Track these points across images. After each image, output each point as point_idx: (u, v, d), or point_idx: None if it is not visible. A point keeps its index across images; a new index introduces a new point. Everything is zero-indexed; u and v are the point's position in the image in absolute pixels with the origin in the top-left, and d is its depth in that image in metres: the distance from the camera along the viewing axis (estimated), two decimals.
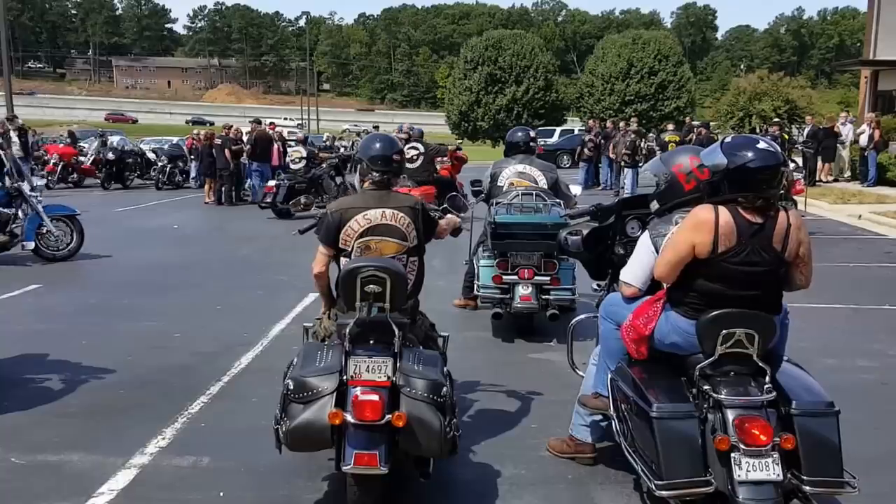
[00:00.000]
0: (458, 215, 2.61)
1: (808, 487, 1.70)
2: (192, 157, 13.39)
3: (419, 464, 2.00)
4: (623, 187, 11.03)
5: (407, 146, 7.52)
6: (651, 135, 13.20)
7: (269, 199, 8.65)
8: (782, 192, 5.92)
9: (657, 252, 1.99)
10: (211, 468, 2.33)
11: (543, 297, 3.63)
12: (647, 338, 1.95)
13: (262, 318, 4.10)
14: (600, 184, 12.52)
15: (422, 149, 7.55)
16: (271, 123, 12.93)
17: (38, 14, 77.31)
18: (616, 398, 2.05)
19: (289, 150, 10.15)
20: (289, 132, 18.61)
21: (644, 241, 2.06)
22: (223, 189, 10.67)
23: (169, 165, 13.45)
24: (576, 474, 2.28)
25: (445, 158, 8.00)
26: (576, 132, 19.84)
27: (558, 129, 23.19)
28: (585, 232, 2.55)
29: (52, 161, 12.98)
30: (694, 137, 11.47)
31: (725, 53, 76.69)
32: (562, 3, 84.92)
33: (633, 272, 2.07)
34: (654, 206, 2.13)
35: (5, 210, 5.60)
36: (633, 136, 11.15)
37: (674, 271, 1.88)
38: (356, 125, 28.50)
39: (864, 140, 11.31)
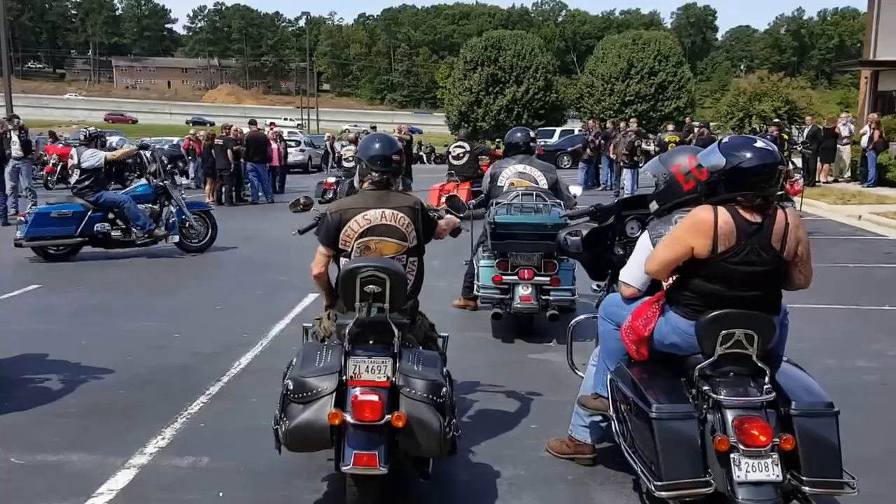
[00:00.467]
0: (457, 216, 2.62)
1: (807, 488, 1.70)
2: (189, 157, 13.39)
3: (419, 464, 2.01)
4: (623, 188, 11.03)
5: (454, 145, 8.68)
6: (651, 136, 13.20)
7: (329, 195, 8.79)
8: (781, 192, 5.95)
9: None
10: (210, 468, 2.33)
11: (543, 297, 3.62)
12: (647, 339, 1.95)
13: (262, 319, 4.10)
14: (600, 184, 12.53)
15: (468, 147, 8.42)
16: (271, 124, 12.94)
17: (37, 14, 77.32)
18: (615, 399, 2.06)
19: (341, 148, 10.73)
20: (289, 132, 18.62)
21: (643, 242, 2.06)
22: (223, 189, 10.67)
23: (169, 166, 13.42)
24: (575, 475, 2.28)
25: (486, 157, 8.79)
26: (575, 132, 19.84)
27: (558, 130, 23.20)
28: (585, 232, 2.55)
29: (52, 161, 12.97)
30: (695, 138, 11.48)
31: (725, 54, 76.71)
32: (562, 3, 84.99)
33: (633, 273, 2.06)
34: (654, 206, 2.13)
35: (154, 206, 6.17)
36: (632, 136, 11.15)
37: (666, 270, 1.88)
38: (356, 125, 28.54)
39: (864, 141, 11.31)
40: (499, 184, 3.99)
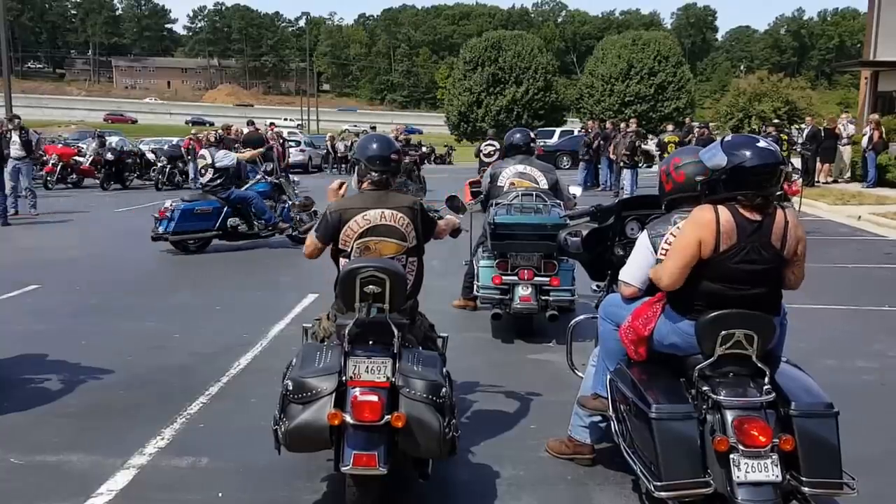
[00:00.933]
0: (457, 216, 2.61)
1: (806, 488, 1.70)
2: (189, 157, 13.39)
3: (418, 464, 2.00)
4: (622, 188, 11.04)
5: (485, 143, 9.34)
6: (651, 136, 13.22)
7: None
8: (780, 192, 5.96)
9: (655, 251, 1.98)
10: (210, 468, 2.33)
11: (543, 297, 3.62)
12: (647, 339, 1.95)
13: (262, 319, 4.10)
14: (600, 184, 12.53)
15: (497, 146, 8.94)
16: (271, 124, 12.93)
17: (37, 14, 77.31)
18: (615, 399, 2.06)
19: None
20: (289, 132, 18.61)
21: (643, 241, 2.06)
22: None
23: (168, 166, 13.45)
24: (574, 475, 2.28)
25: None
26: (575, 133, 19.84)
27: (558, 130, 23.20)
28: (585, 233, 2.55)
29: (51, 161, 12.97)
30: (694, 138, 11.48)
31: (725, 54, 76.75)
32: (562, 3, 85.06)
33: (632, 272, 2.06)
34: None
35: (271, 201, 6.63)
36: (632, 136, 11.16)
37: (682, 275, 1.86)
38: (355, 125, 28.56)
39: (864, 141, 11.32)
40: (499, 184, 3.99)
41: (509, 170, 4.02)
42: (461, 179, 8.41)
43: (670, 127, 12.76)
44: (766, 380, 1.79)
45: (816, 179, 12.00)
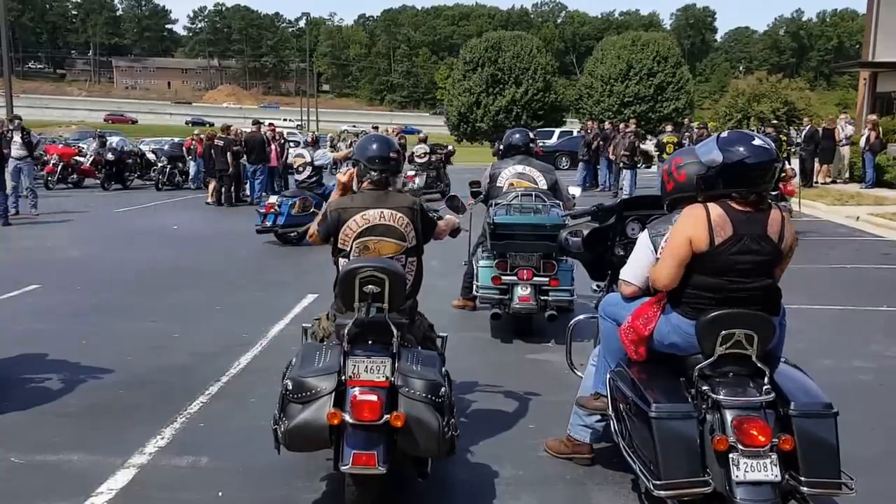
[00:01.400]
0: (456, 216, 2.62)
1: (805, 488, 1.70)
2: (190, 157, 13.40)
3: (417, 464, 2.01)
4: (622, 188, 11.05)
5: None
6: (650, 137, 13.25)
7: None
8: (776, 192, 5.99)
9: (656, 251, 1.99)
10: (210, 468, 2.33)
11: (542, 297, 3.63)
12: (647, 338, 1.95)
13: (262, 319, 4.10)
14: (599, 185, 12.54)
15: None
16: (270, 124, 12.94)
17: (38, 15, 77.31)
18: (615, 398, 2.06)
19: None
20: (288, 133, 18.62)
21: (643, 240, 2.07)
22: (223, 190, 10.68)
23: (168, 166, 13.46)
24: (573, 475, 2.28)
25: None
26: (574, 134, 19.85)
27: (557, 131, 23.21)
28: (586, 232, 2.56)
29: (52, 161, 12.97)
30: (693, 138, 11.49)
31: (724, 55, 76.79)
32: (561, 4, 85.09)
33: (633, 272, 2.07)
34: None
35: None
36: (631, 137, 11.17)
37: (677, 275, 1.88)
38: (354, 126, 28.57)
39: (862, 142, 11.33)
40: (498, 184, 4.00)
41: (508, 170, 4.03)
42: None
43: (669, 127, 12.77)
44: (766, 380, 1.79)
45: (815, 180, 12.01)
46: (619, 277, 2.13)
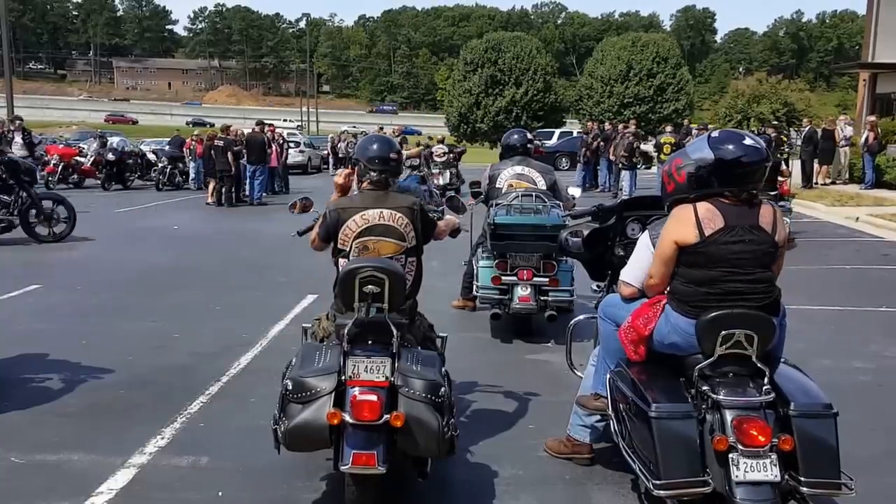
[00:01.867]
0: (456, 216, 2.62)
1: (805, 488, 1.70)
2: (190, 157, 13.42)
3: (417, 464, 2.01)
4: (621, 189, 11.06)
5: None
6: (650, 137, 13.26)
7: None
8: (774, 192, 6.01)
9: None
10: (210, 468, 2.33)
11: (542, 298, 3.63)
12: (646, 338, 1.95)
13: (262, 319, 4.11)
14: (599, 186, 12.55)
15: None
16: (270, 125, 12.96)
17: (39, 15, 77.38)
18: (615, 398, 2.06)
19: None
20: (288, 133, 18.64)
21: (643, 241, 2.07)
22: (223, 190, 10.69)
23: (169, 167, 13.48)
24: (573, 475, 2.29)
25: None
26: (574, 134, 19.86)
27: (557, 132, 23.22)
28: (586, 232, 2.56)
29: (53, 162, 12.99)
30: (692, 139, 11.48)
31: (724, 56, 76.83)
32: (561, 5, 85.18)
33: (633, 272, 2.07)
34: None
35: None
36: (630, 138, 11.18)
37: (665, 277, 1.91)
38: (354, 126, 28.59)
39: (862, 143, 11.34)
40: (497, 185, 4.00)
41: (508, 171, 4.03)
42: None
43: (669, 128, 12.79)
44: (766, 380, 1.79)
45: (815, 181, 12.02)
46: (619, 278, 2.13)
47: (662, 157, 11.15)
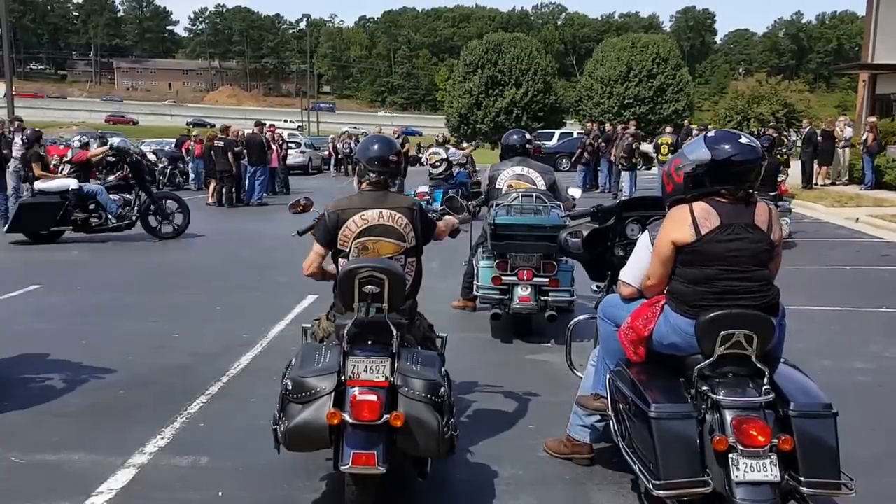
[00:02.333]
0: (456, 217, 2.63)
1: (805, 489, 1.70)
2: (189, 158, 13.43)
3: (417, 464, 2.01)
4: (621, 190, 11.06)
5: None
6: (649, 138, 13.28)
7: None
8: (773, 192, 6.02)
9: None
10: (210, 468, 2.33)
11: (542, 298, 3.63)
12: (646, 339, 1.95)
13: (262, 319, 4.11)
14: (599, 186, 12.56)
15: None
16: (271, 126, 12.97)
17: (39, 16, 77.44)
18: (614, 398, 2.06)
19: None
20: (289, 134, 18.66)
21: (643, 242, 2.08)
22: (223, 190, 10.70)
23: (169, 167, 13.48)
24: (573, 475, 2.29)
25: None
26: (575, 135, 19.87)
27: (557, 132, 23.24)
28: (586, 233, 2.56)
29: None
30: (691, 139, 11.48)
31: (724, 57, 76.84)
32: (561, 6, 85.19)
33: (633, 273, 2.08)
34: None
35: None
36: (629, 139, 11.19)
37: (664, 278, 1.92)
38: (355, 127, 28.63)
39: (862, 143, 11.35)
40: (497, 186, 4.00)
41: (507, 172, 4.03)
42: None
43: (669, 129, 12.81)
44: (765, 380, 1.79)
45: (815, 182, 12.03)
46: (619, 279, 2.13)
47: (661, 157, 11.17)
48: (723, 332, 1.79)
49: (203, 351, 3.56)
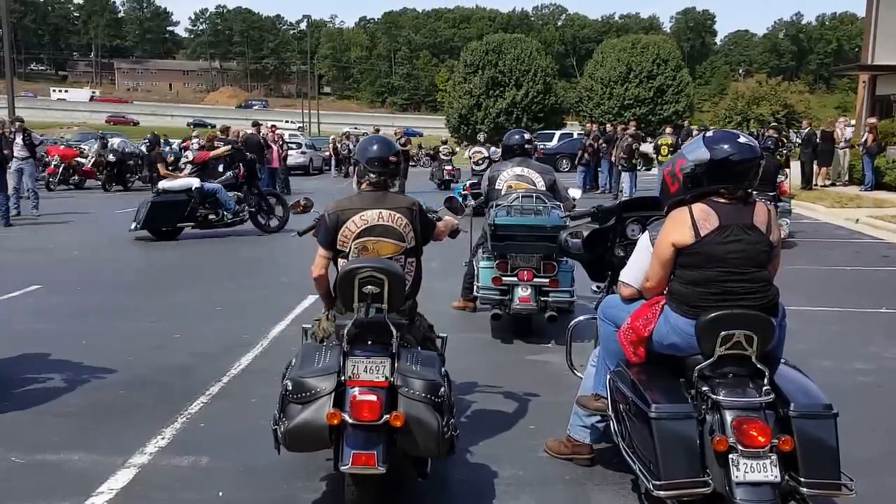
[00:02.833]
0: (455, 217, 2.63)
1: (805, 489, 1.70)
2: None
3: (417, 464, 2.01)
4: (621, 191, 11.07)
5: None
6: (649, 139, 13.30)
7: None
8: (773, 192, 6.03)
9: None
10: (210, 468, 2.33)
11: (542, 298, 3.63)
12: (646, 339, 1.95)
13: (262, 319, 4.11)
14: (599, 187, 12.57)
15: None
16: (272, 126, 12.98)
17: (40, 16, 77.57)
18: (615, 399, 2.06)
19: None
20: (290, 135, 18.68)
21: (643, 242, 2.08)
22: None
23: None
24: (573, 475, 2.29)
25: None
26: (575, 136, 19.88)
27: (557, 133, 23.25)
28: (586, 233, 2.56)
29: (53, 163, 13.01)
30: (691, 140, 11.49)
31: (724, 58, 76.90)
32: (562, 7, 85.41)
33: (633, 273, 2.08)
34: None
35: None
36: (629, 139, 11.20)
37: (664, 279, 1.92)
38: (356, 128, 28.67)
39: (862, 144, 11.36)
40: (497, 187, 4.00)
41: (507, 172, 4.03)
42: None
43: (669, 130, 12.82)
44: (766, 380, 1.79)
45: (815, 182, 12.04)
46: (619, 279, 2.13)
47: (661, 158, 11.18)
48: (723, 333, 1.79)
49: (203, 351, 3.56)
